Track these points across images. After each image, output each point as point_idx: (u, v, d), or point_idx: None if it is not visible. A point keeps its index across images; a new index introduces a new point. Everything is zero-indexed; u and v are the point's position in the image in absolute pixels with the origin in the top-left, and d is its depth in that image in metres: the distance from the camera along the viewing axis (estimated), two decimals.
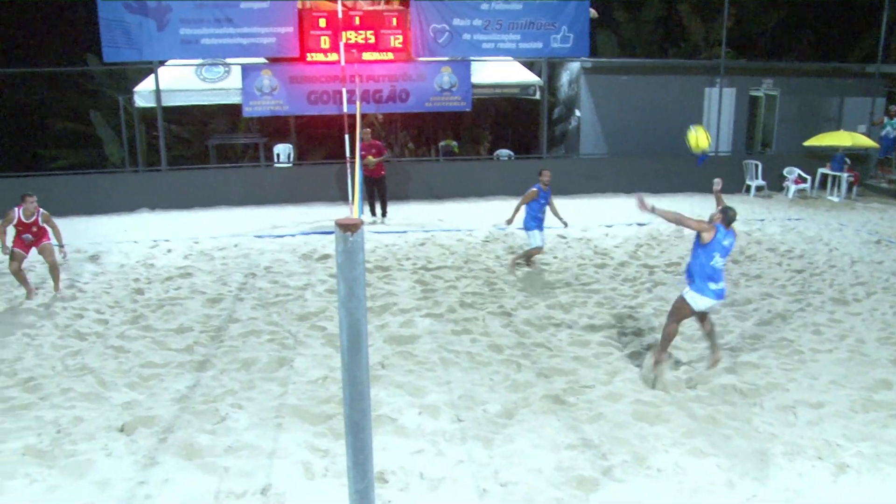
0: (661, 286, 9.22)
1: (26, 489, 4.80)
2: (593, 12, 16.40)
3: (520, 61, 17.96)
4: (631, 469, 4.90)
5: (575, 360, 6.73)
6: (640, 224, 13.04)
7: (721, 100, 18.23)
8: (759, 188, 17.29)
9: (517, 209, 9.67)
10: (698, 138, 7.31)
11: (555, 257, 10.82)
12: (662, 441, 5.21)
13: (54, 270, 9.34)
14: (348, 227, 2.61)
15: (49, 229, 9.30)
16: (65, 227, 13.85)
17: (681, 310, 6.11)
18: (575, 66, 18.92)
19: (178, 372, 6.75)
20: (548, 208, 9.83)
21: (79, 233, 13.24)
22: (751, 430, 5.39)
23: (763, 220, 13.91)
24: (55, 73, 19.24)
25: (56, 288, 9.33)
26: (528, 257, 10.03)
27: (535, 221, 9.66)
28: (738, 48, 22.54)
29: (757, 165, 17.27)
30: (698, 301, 6.01)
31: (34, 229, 9.18)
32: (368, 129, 13.58)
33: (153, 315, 8.47)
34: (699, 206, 14.87)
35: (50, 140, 20.32)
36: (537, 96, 17.46)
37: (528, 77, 17.69)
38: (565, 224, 10.10)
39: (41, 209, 9.19)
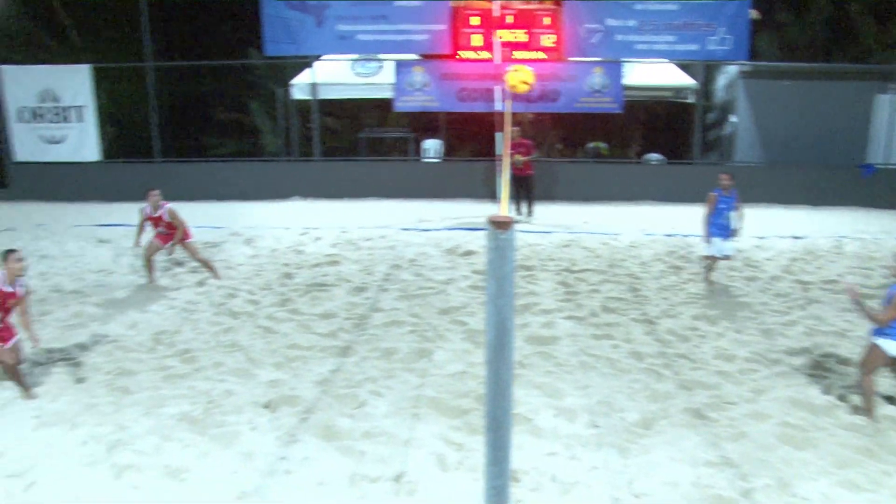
0: (816, 304, 8.67)
1: (180, 452, 5.12)
2: (755, 13, 15.61)
3: (674, 63, 17.41)
4: (773, 494, 4.63)
5: (719, 375, 6.46)
6: (795, 237, 12.34)
7: (893, 108, 16.88)
8: None
9: (705, 221, 9.23)
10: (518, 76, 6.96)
11: (703, 267, 10.40)
12: (810, 468, 4.90)
13: (206, 265, 9.84)
14: (500, 225, 2.61)
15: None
16: (224, 211, 14.82)
17: (875, 359, 5.65)
18: (732, 69, 18.11)
19: (321, 356, 6.99)
20: (734, 214, 9.20)
21: (236, 216, 14.01)
22: None
23: None
24: (220, 66, 20.40)
25: (216, 276, 9.78)
26: (707, 267, 9.56)
27: (714, 227, 9.19)
28: None
29: None
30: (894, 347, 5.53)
31: (162, 224, 9.51)
32: (517, 128, 13.56)
33: (300, 299, 8.83)
34: (863, 222, 13.90)
35: (213, 129, 21.54)
36: (691, 100, 16.88)
37: (683, 80, 17.12)
38: (734, 234, 9.32)
39: (167, 204, 9.48)
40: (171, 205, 9.54)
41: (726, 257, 9.41)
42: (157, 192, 9.52)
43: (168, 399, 6.01)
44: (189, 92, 21.67)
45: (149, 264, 9.67)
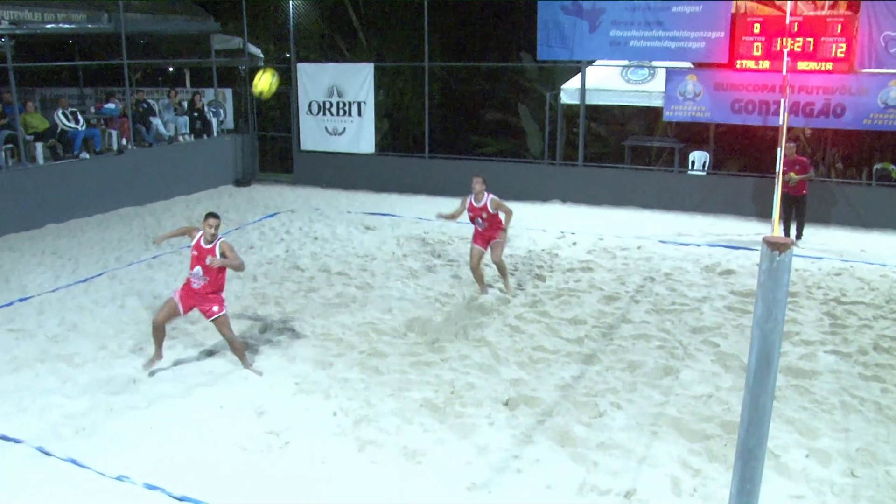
0: None
1: (420, 436, 5.42)
2: None
3: None
4: None
5: None
6: None
7: None
8: None
9: None
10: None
11: None
12: None
13: (502, 272, 9.30)
14: (777, 246, 2.51)
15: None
16: None
17: None
18: None
19: (565, 360, 7.03)
20: None
21: None
22: None
23: None
24: (493, 68, 21.14)
25: (507, 290, 9.25)
26: None
27: None
28: None
29: None
30: None
31: (485, 214, 8.94)
32: (793, 144, 12.63)
33: (550, 302, 8.92)
34: None
35: (482, 128, 22.36)
36: None
37: None
38: None
39: (491, 195, 8.87)
40: (494, 196, 9.05)
41: None
42: (480, 178, 9.07)
43: (413, 384, 6.38)
44: (462, 92, 22.73)
45: (478, 275, 9.19)
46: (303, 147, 18.37)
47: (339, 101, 17.95)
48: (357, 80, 17.74)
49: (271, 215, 14.09)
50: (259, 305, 8.66)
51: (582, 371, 6.76)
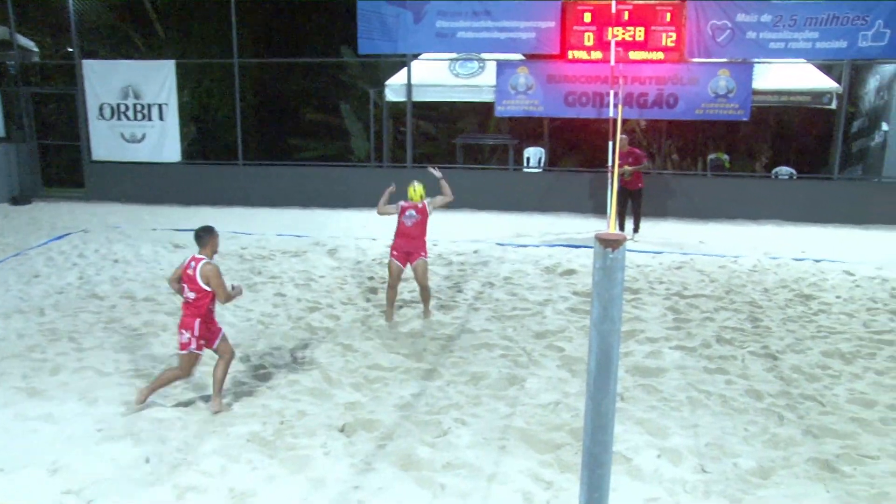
0: None
1: (247, 475, 5.24)
2: None
3: (814, 64, 16.83)
4: None
5: (855, 422, 6.14)
6: None
7: None
8: None
9: None
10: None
11: (838, 297, 10.00)
12: None
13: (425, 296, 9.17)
14: (609, 243, 2.57)
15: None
16: (307, 219, 15.18)
17: None
18: (889, 69, 17.38)
19: (403, 378, 7.04)
20: None
21: (319, 225, 14.32)
22: None
23: None
24: (312, 64, 20.97)
25: (426, 313, 9.09)
26: None
27: None
28: None
29: None
30: None
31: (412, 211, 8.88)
32: (625, 136, 13.35)
33: (385, 315, 8.92)
34: None
35: (301, 130, 22.13)
36: (833, 106, 16.27)
37: (824, 83, 16.52)
38: None
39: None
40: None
41: None
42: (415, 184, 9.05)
43: (237, 417, 6.17)
44: (278, 91, 22.39)
45: (392, 297, 8.97)
46: (95, 157, 17.45)
47: (137, 104, 17.21)
48: (156, 79, 17.07)
49: (60, 237, 13.26)
50: (49, 343, 8.06)
51: (422, 388, 6.79)
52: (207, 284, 6.18)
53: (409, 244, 8.72)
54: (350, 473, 5.28)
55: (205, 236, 6.40)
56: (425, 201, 8.87)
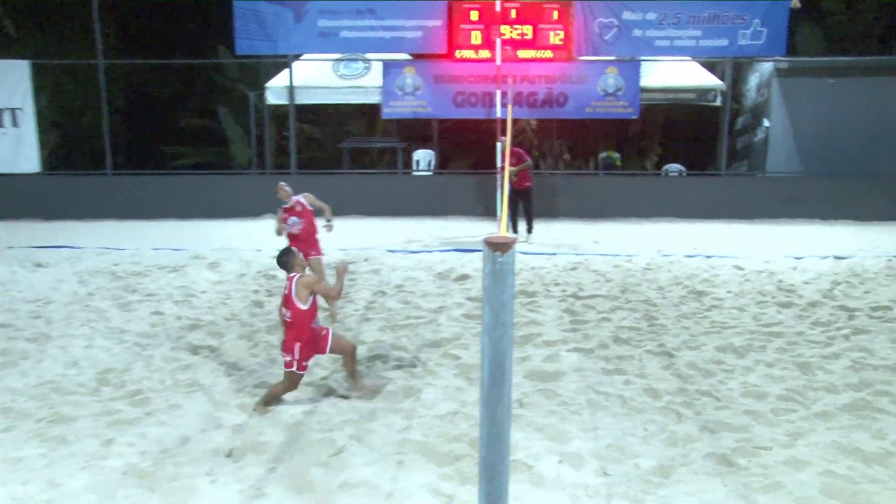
0: (864, 334, 8.63)
1: None
2: (795, 2, 15.69)
3: (699, 61, 17.52)
4: None
5: (748, 415, 6.40)
6: (838, 257, 12.34)
7: None
8: None
9: None
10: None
11: (729, 292, 10.41)
12: None
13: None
14: (498, 247, 2.57)
15: None
16: (185, 232, 14.82)
17: None
18: (767, 66, 18.25)
19: (293, 395, 6.93)
20: None
21: (199, 237, 13.99)
22: None
23: None
24: (185, 65, 20.47)
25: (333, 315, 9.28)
26: None
27: None
28: None
29: None
30: None
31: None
32: (504, 138, 13.55)
33: (271, 331, 8.78)
34: None
35: (176, 136, 21.59)
36: (718, 102, 16.97)
37: (708, 80, 17.23)
38: None
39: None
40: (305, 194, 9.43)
41: None
42: (281, 184, 9.43)
43: (113, 449, 5.92)
44: (150, 95, 21.77)
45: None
46: None
47: None
48: (8, 81, 16.33)
49: None
50: None
51: (314, 405, 6.71)
52: (311, 295, 6.56)
53: (301, 247, 8.70)
54: (239, 500, 5.14)
55: (289, 260, 6.77)
56: (299, 199, 9.23)
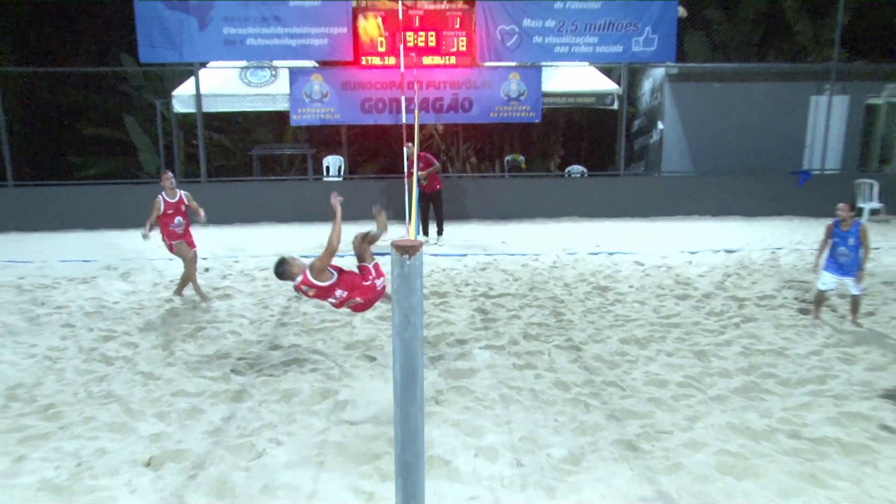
0: (752, 322, 9.07)
1: None
2: (682, 11, 16.30)
3: (596, 67, 17.97)
4: None
5: (651, 402, 6.66)
6: (728, 251, 12.87)
7: (830, 109, 17.81)
8: (874, 211, 16.83)
9: (820, 252, 9.11)
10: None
11: (630, 287, 10.75)
12: (752, 499, 5.09)
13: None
14: (406, 250, 2.62)
15: None
16: (94, 241, 14.45)
17: None
18: (659, 72, 18.85)
19: (212, 402, 6.88)
20: (860, 251, 8.69)
21: (109, 248, 13.67)
22: (862, 495, 5.21)
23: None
24: (87, 73, 19.90)
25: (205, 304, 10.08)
26: (817, 302, 9.30)
27: (828, 261, 9.04)
28: (854, 50, 21.43)
29: (872, 185, 16.82)
30: None
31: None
32: (411, 144, 13.66)
33: (187, 339, 8.68)
34: (800, 233, 14.66)
35: (80, 146, 20.98)
36: (615, 106, 17.44)
37: (606, 85, 17.69)
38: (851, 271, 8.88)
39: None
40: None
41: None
42: (167, 174, 9.94)
43: (25, 465, 5.77)
44: (51, 104, 21.05)
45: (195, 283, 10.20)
46: None
47: None
48: None
49: None
50: None
51: (232, 410, 6.67)
52: (330, 271, 7.12)
53: (187, 239, 10.01)
54: None
55: (286, 269, 7.14)
56: (182, 194, 10.01)
